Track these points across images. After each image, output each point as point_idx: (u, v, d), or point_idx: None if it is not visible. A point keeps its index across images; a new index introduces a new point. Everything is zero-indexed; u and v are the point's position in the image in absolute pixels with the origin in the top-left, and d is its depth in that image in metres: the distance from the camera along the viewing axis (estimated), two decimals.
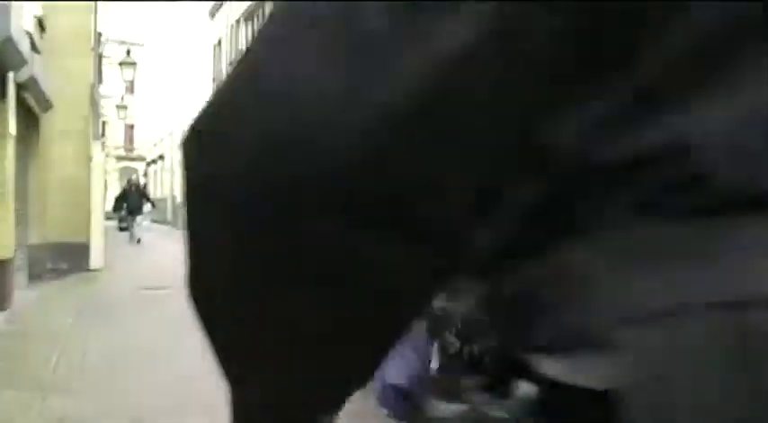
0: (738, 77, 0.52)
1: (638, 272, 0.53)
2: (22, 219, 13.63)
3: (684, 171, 0.52)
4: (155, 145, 45.85)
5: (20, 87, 11.96)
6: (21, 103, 12.67)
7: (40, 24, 15.29)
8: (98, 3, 18.75)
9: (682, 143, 0.52)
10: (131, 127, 60.38)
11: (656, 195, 0.53)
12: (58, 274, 15.78)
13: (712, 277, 0.52)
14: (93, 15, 17.75)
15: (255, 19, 28.86)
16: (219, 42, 34.91)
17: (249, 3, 28.99)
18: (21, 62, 10.77)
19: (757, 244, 0.51)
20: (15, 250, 12.16)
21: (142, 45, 20.61)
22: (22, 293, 12.53)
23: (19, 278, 12.86)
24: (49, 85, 14.26)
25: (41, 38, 15.34)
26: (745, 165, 0.52)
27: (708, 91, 0.52)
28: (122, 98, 35.15)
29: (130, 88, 55.05)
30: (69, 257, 16.30)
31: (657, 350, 0.52)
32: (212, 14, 36.79)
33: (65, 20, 16.77)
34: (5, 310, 10.72)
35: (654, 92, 0.53)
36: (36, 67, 12.36)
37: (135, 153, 57.80)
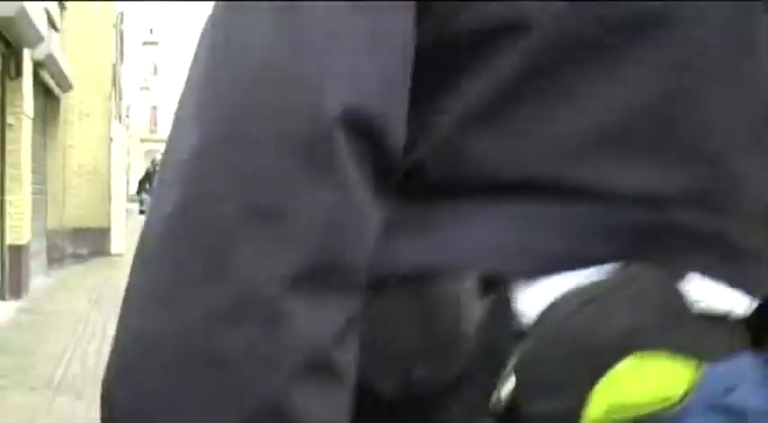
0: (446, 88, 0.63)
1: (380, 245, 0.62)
2: (40, 203, 13.20)
3: (406, 165, 0.62)
4: None
5: (37, 65, 11.46)
6: (38, 82, 12.20)
7: (60, 1, 14.82)
8: None
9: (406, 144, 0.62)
10: (155, 108, 60.03)
11: (398, 182, 0.62)
12: (78, 259, 15.38)
13: (410, 250, 0.62)
14: None
15: None
16: None
17: None
18: (37, 38, 10.25)
19: (453, 223, 0.63)
20: (32, 235, 11.74)
21: (166, 25, 20.05)
22: (40, 280, 12.10)
23: (37, 264, 12.43)
24: (68, 64, 13.78)
25: (61, 16, 14.87)
26: (451, 162, 0.63)
27: (424, 105, 0.62)
28: (146, 79, 34.72)
29: (154, 70, 54.63)
30: (89, 242, 15.89)
31: (365, 319, 0.60)
32: None
33: None
34: (21, 297, 10.27)
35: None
36: (54, 45, 11.89)
37: (159, 135, 57.30)
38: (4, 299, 10.07)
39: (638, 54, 0.61)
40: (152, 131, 58.14)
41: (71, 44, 15.31)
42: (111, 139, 16.32)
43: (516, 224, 0.62)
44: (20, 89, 10.39)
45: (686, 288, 0.62)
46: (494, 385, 0.60)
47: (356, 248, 0.57)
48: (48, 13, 11.87)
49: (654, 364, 0.60)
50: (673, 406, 0.61)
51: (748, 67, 0.65)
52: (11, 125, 10.24)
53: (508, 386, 0.59)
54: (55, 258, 14.30)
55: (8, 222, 10.21)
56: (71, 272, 13.91)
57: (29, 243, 10.95)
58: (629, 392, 0.60)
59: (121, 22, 19.05)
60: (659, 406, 0.60)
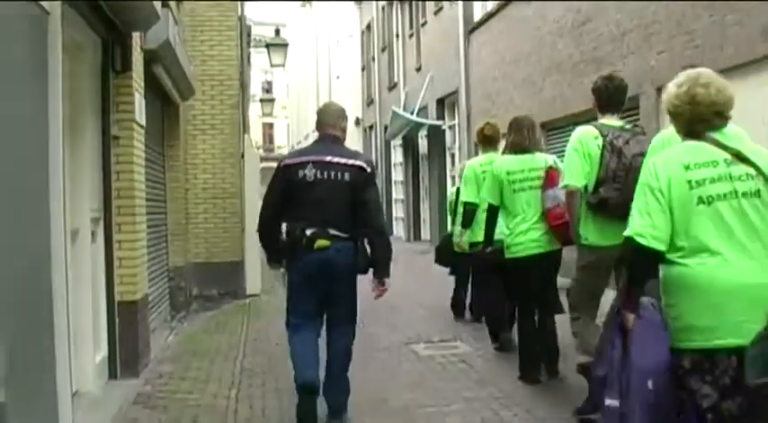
0: None
1: None
2: (158, 237, 10.39)
3: None
4: (298, 143, 42.30)
5: (149, 58, 8.60)
6: (152, 81, 9.37)
7: None
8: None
9: None
10: (270, 126, 57.80)
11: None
12: (207, 303, 12.60)
13: None
14: None
15: None
16: (369, 26, 31.53)
17: None
18: (150, 16, 7.35)
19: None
20: (150, 280, 8.93)
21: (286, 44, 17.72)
22: (160, 338, 9.26)
23: (157, 318, 9.61)
24: (188, 60, 11.00)
25: (178, 8, 12.13)
26: None
27: None
28: (266, 90, 32.13)
29: (268, 87, 52.30)
30: (220, 281, 13.13)
31: None
32: None
33: None
34: (138, 375, 7.39)
35: None
36: (171, 33, 9.03)
37: (275, 153, 54.71)
38: (115, 378, 7.20)
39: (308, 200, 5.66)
40: (267, 150, 55.73)
41: (189, 41, 12.58)
42: (242, 156, 13.51)
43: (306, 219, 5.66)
44: (128, 88, 7.50)
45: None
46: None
47: None
48: None
49: None
50: None
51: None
52: (117, 138, 7.35)
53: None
54: (178, 303, 11.53)
55: (117, 271, 7.32)
56: (200, 323, 11.03)
57: (145, 298, 8.06)
58: None
59: (244, 23, 16.21)
60: None
